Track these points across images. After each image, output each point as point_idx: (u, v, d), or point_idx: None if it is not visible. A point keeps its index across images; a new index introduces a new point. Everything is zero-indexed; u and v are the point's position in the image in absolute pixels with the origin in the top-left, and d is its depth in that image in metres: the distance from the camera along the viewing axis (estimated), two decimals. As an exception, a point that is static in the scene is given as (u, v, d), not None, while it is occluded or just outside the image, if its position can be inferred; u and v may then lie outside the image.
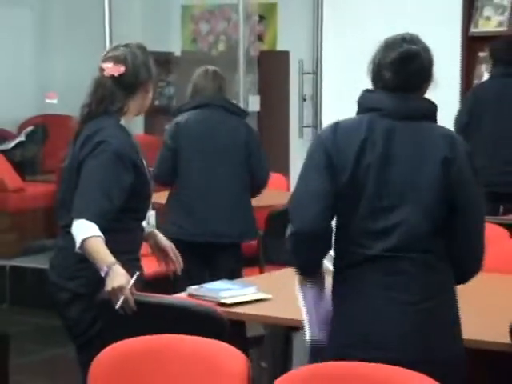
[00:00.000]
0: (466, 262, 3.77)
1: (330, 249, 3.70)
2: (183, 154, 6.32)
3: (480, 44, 8.46)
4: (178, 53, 10.82)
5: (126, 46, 4.67)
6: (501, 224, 5.76)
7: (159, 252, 4.78)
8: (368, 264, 3.61)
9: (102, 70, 4.58)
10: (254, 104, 9.12)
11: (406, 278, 3.63)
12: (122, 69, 4.56)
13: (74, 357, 4.45)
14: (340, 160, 3.64)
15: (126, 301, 4.11)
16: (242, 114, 6.75)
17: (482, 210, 3.83)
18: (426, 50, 3.80)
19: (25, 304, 8.34)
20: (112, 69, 4.55)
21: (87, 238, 4.24)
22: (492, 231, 5.59)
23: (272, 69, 10.08)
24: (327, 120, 9.47)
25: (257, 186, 6.46)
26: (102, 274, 4.16)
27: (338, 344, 3.63)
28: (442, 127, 3.76)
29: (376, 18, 9.12)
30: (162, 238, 4.80)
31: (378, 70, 3.70)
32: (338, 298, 3.68)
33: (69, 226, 4.33)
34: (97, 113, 4.60)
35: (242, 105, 8.92)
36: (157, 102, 10.71)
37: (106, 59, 4.60)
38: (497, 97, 7.48)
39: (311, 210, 3.63)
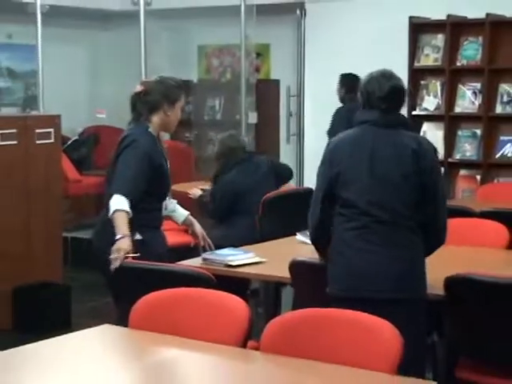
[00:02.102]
0: (434, 233, 3.90)
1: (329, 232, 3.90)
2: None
3: (421, 74, 8.47)
4: (195, 80, 10.79)
5: (158, 77, 4.74)
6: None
7: (193, 232, 4.95)
8: (359, 229, 3.78)
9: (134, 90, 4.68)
10: (252, 118, 9.10)
11: (388, 240, 3.77)
12: (139, 88, 4.60)
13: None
14: (337, 156, 3.86)
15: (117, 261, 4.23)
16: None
17: (444, 194, 3.97)
18: (402, 81, 3.96)
19: (81, 265, 8.31)
20: (136, 88, 4.64)
21: (117, 209, 4.34)
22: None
23: (266, 92, 10.06)
24: (308, 130, 9.50)
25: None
26: (117, 237, 4.29)
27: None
28: (412, 133, 3.94)
29: (344, 55, 9.11)
30: (196, 226, 4.92)
31: (368, 97, 3.86)
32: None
33: None
34: (134, 119, 4.66)
35: (243, 119, 8.90)
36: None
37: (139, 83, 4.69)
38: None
39: (314, 215, 3.91)
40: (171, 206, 4.85)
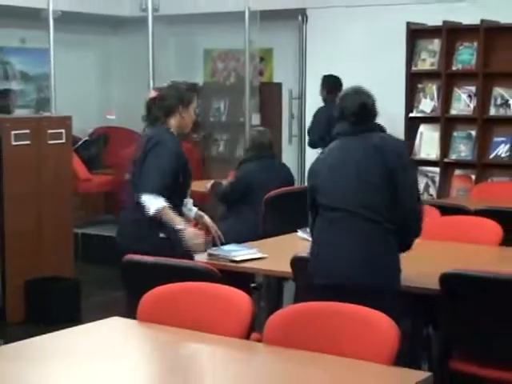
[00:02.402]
0: (408, 225, 3.92)
1: None
2: None
3: (418, 78, 8.46)
4: (201, 83, 10.76)
5: (170, 82, 4.80)
6: (433, 205, 5.77)
7: (203, 223, 4.97)
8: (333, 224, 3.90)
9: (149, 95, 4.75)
10: (256, 120, 9.11)
11: (361, 233, 3.83)
12: (153, 93, 4.64)
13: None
14: (317, 168, 4.07)
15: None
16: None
17: (416, 187, 4.02)
18: (370, 96, 4.10)
19: (91, 260, 8.34)
20: (151, 94, 4.72)
21: (162, 206, 4.41)
22: (426, 209, 5.62)
23: (269, 95, 10.05)
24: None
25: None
26: (179, 228, 4.45)
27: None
28: (380, 133, 4.05)
29: (344, 59, 9.12)
30: (206, 218, 4.97)
31: (341, 111, 4.05)
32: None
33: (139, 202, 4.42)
34: (150, 123, 4.70)
35: (247, 120, 8.90)
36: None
37: (152, 89, 4.74)
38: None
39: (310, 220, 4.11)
40: (189, 204, 4.87)
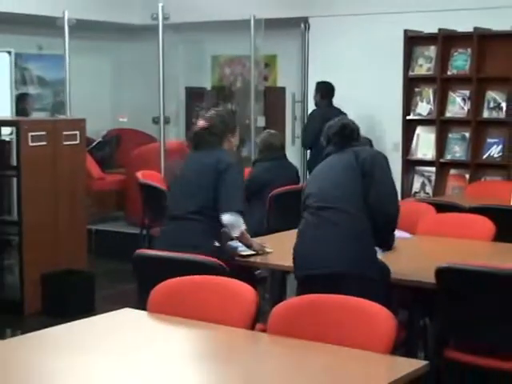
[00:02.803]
0: (382, 220, 4.02)
1: None
2: None
3: (416, 83, 8.45)
4: (209, 88, 10.79)
5: (215, 111, 4.83)
6: (429, 203, 5.76)
7: None
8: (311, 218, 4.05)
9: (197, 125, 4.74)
10: (261, 122, 9.10)
11: (332, 224, 3.96)
12: (203, 123, 4.67)
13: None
14: (308, 183, 4.28)
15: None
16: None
17: (390, 186, 4.06)
18: (353, 123, 4.26)
19: (104, 254, 8.33)
20: (200, 123, 4.70)
21: (244, 229, 4.48)
22: (423, 207, 5.61)
23: (273, 98, 10.06)
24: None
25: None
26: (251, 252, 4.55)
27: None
28: (357, 148, 4.17)
29: (344, 65, 9.12)
30: None
31: (328, 138, 4.24)
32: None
33: (198, 212, 4.42)
34: (202, 148, 4.65)
35: (252, 122, 8.90)
36: (194, 120, 10.67)
37: (201, 118, 4.75)
38: None
39: None
40: None
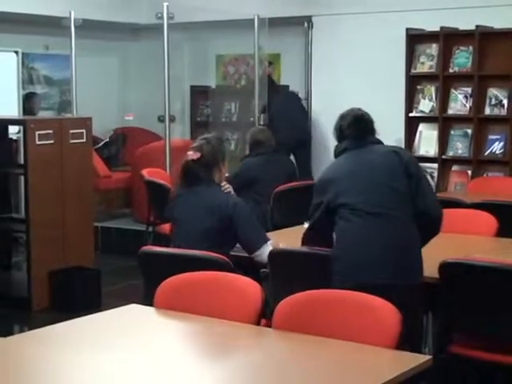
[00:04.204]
0: (427, 223, 3.87)
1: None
2: None
3: (417, 80, 8.43)
4: (213, 86, 10.78)
5: (204, 138, 4.62)
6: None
7: None
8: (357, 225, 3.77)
9: (187, 156, 4.53)
10: (265, 119, 9.06)
11: (382, 232, 3.74)
12: (195, 154, 4.50)
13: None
14: (335, 177, 3.87)
15: None
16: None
17: (431, 188, 4.00)
18: (367, 113, 4.00)
19: (110, 251, 8.33)
20: (191, 155, 4.51)
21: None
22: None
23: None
24: (315, 130, 9.47)
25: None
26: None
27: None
28: (388, 145, 4.01)
29: (347, 63, 9.12)
30: None
31: (340, 131, 3.96)
32: None
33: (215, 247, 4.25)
34: (198, 182, 4.50)
35: (256, 120, 8.88)
36: (198, 119, 10.69)
37: (190, 149, 4.56)
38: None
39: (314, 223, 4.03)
40: None
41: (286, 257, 4.21)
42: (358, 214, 3.76)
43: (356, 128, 3.91)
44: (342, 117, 3.98)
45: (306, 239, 4.08)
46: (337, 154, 3.99)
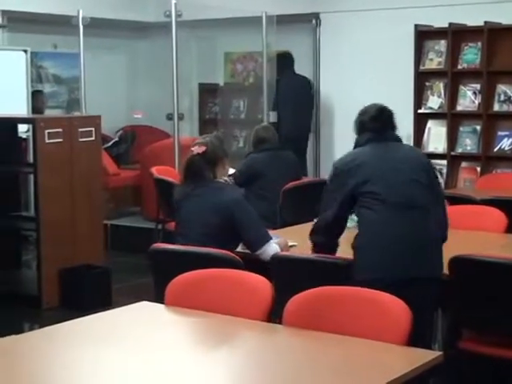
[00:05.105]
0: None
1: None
2: None
3: (426, 77, 8.42)
4: (221, 84, 10.77)
5: (207, 136, 4.67)
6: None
7: None
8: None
9: (192, 151, 4.55)
10: (273, 117, 9.06)
11: (413, 225, 3.71)
12: (201, 148, 4.51)
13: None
14: (359, 165, 3.78)
15: None
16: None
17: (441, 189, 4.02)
18: (388, 108, 3.98)
19: (120, 249, 8.34)
20: (196, 148, 4.53)
21: (279, 248, 4.34)
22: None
23: (285, 94, 10.00)
24: (324, 126, 9.49)
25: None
26: None
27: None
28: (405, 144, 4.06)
29: (356, 60, 9.12)
30: None
31: (361, 125, 3.91)
32: None
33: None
34: (201, 179, 4.49)
35: (265, 118, 8.88)
36: (207, 116, 10.69)
37: (194, 144, 4.58)
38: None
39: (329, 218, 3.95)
40: None
41: (290, 263, 4.15)
42: (386, 205, 3.70)
43: (379, 119, 3.88)
44: (364, 111, 3.95)
45: (317, 230, 4.00)
46: (359, 145, 3.93)
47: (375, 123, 3.88)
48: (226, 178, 4.69)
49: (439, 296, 3.78)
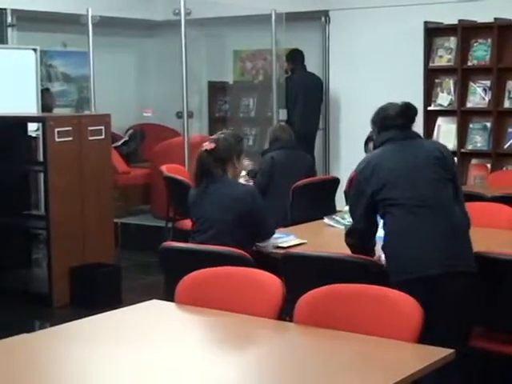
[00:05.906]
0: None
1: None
2: None
3: (436, 74, 8.40)
4: (231, 82, 10.77)
5: (222, 133, 4.64)
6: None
7: None
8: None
9: (202, 146, 4.54)
10: (283, 115, 9.04)
11: (441, 222, 3.66)
12: (210, 145, 4.49)
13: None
14: (373, 172, 3.75)
15: None
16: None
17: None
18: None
19: (130, 247, 8.34)
20: (207, 145, 4.51)
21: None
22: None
23: (295, 91, 9.99)
24: (333, 125, 9.48)
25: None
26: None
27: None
28: (429, 140, 3.92)
29: (365, 57, 9.10)
30: None
31: (382, 122, 3.85)
32: None
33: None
34: (210, 177, 4.49)
35: (274, 116, 8.87)
36: (216, 114, 10.69)
37: (206, 141, 4.58)
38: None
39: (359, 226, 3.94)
40: None
41: (300, 261, 4.11)
42: (404, 209, 3.66)
43: (405, 116, 3.82)
44: (384, 108, 3.88)
45: (349, 234, 3.96)
46: (378, 145, 3.88)
47: (400, 119, 3.82)
48: (243, 179, 4.70)
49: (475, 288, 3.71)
